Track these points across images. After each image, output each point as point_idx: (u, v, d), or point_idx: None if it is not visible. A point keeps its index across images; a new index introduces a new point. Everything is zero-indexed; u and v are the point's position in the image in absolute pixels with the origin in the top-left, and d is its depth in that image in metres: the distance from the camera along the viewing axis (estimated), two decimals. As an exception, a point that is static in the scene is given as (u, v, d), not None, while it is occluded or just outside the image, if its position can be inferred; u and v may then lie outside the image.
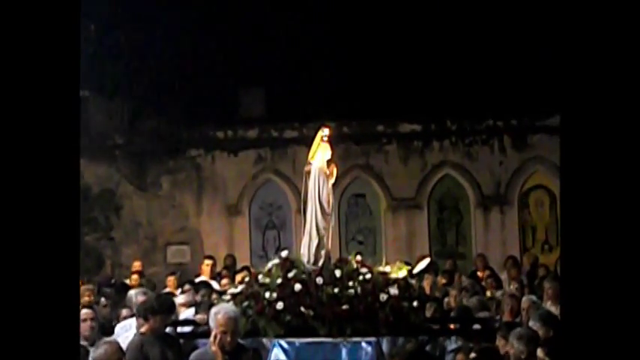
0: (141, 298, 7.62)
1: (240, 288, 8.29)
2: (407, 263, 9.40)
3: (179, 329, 8.19)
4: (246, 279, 8.70)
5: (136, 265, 14.01)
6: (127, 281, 12.87)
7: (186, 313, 9.23)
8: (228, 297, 8.21)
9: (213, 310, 5.96)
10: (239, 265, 13.72)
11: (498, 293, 10.96)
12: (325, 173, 8.32)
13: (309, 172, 8.34)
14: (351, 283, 8.00)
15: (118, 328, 7.82)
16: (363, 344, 7.75)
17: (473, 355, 5.90)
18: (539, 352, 5.98)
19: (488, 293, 10.94)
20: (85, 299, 9.17)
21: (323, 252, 8.21)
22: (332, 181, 8.43)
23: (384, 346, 7.74)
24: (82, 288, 10.27)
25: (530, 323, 6.48)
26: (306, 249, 8.27)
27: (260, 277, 8.25)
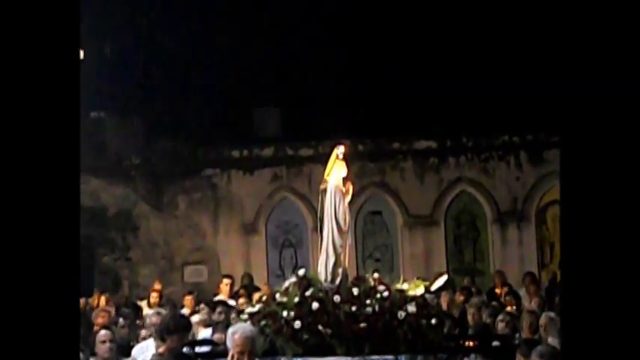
0: (155, 319, 7.62)
1: (257, 307, 8.27)
2: (424, 280, 9.36)
3: (197, 349, 8.17)
4: (264, 298, 8.68)
5: (157, 285, 14.03)
6: (143, 302, 12.86)
7: (204, 333, 9.22)
8: (245, 316, 8.19)
9: (230, 329, 5.93)
10: (256, 284, 13.71)
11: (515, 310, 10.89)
12: (341, 191, 8.31)
13: (325, 190, 8.33)
14: (368, 301, 7.96)
15: (135, 350, 7.82)
16: (382, 362, 7.71)
17: None
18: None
19: (508, 309, 10.86)
20: (101, 320, 9.19)
21: (340, 270, 8.19)
22: (348, 198, 8.41)
23: (403, 364, 7.69)
24: (100, 309, 10.29)
25: (549, 340, 6.43)
26: (323, 267, 8.24)
27: (277, 295, 8.23)
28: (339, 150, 8.49)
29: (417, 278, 9.37)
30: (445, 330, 8.55)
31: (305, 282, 8.14)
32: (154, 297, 12.83)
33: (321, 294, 8.01)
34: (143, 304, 12.74)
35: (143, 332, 8.79)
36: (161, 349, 6.68)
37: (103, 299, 12.86)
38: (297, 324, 7.77)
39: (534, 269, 14.72)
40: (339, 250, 8.20)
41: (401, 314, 7.88)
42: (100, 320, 9.25)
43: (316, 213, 8.69)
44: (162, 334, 6.69)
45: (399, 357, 7.71)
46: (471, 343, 8.56)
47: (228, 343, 5.78)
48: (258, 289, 12.30)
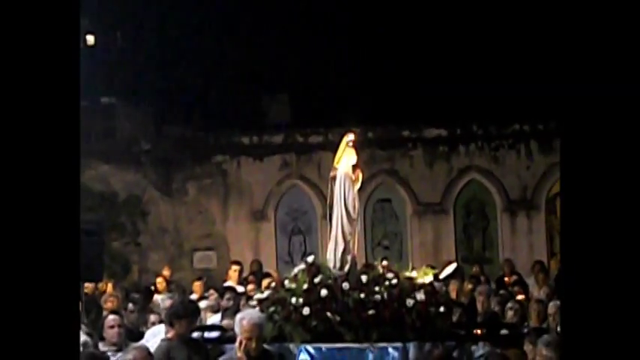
0: (167, 303, 7.65)
1: (266, 293, 8.28)
2: (433, 268, 9.36)
3: (206, 334, 8.20)
4: (273, 284, 8.69)
5: (165, 271, 14.09)
6: (152, 287, 12.91)
7: (213, 319, 9.25)
8: (254, 302, 8.21)
9: (239, 315, 5.96)
10: (265, 271, 13.74)
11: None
12: (351, 178, 8.30)
13: (334, 178, 8.32)
14: (377, 289, 7.97)
15: (147, 334, 7.85)
16: (390, 350, 7.72)
17: None
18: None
19: (518, 298, 10.86)
20: (110, 305, 9.24)
21: (349, 257, 8.19)
22: (357, 186, 8.41)
23: (411, 352, 7.70)
24: (109, 294, 10.36)
25: (559, 329, 6.43)
26: (332, 254, 8.25)
27: (286, 282, 8.24)
28: (349, 137, 8.47)
29: (426, 266, 9.38)
30: (454, 318, 8.56)
31: (314, 269, 8.15)
32: (159, 282, 12.88)
33: (329, 281, 8.02)
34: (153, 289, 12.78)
35: (152, 317, 8.82)
36: (170, 334, 6.71)
37: (109, 285, 12.91)
38: (306, 310, 7.78)
39: (543, 258, 14.71)
40: (348, 237, 8.21)
41: (409, 302, 7.88)
42: (109, 305, 9.29)
43: (325, 200, 8.68)
44: (171, 319, 6.72)
45: (407, 344, 7.72)
46: (479, 331, 8.57)
47: (237, 329, 5.81)
48: (268, 275, 12.29)
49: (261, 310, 7.45)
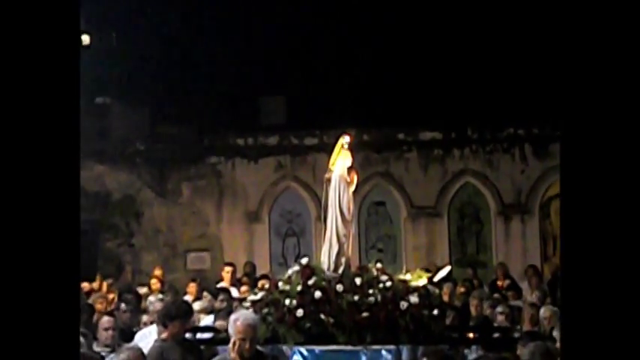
0: (159, 305, 7.63)
1: (260, 295, 8.28)
2: (427, 271, 9.37)
3: (199, 335, 8.19)
4: (266, 286, 8.69)
5: (157, 271, 14.07)
6: (144, 288, 12.88)
7: (207, 320, 9.24)
8: (248, 304, 8.21)
9: (232, 317, 5.96)
10: (259, 273, 13.73)
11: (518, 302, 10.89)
12: (346, 180, 8.30)
13: (329, 180, 8.32)
14: (371, 291, 7.97)
15: (137, 336, 7.84)
16: (383, 352, 7.72)
17: None
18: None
19: (511, 303, 10.86)
20: (100, 306, 9.23)
21: (343, 259, 8.19)
22: (352, 188, 8.41)
23: (404, 355, 7.70)
24: (98, 294, 10.35)
25: (555, 333, 6.44)
26: (326, 256, 8.25)
27: (280, 284, 8.24)
28: (345, 140, 8.47)
29: (420, 269, 9.38)
30: (447, 321, 8.56)
31: (308, 271, 8.15)
32: (154, 283, 12.86)
33: (323, 283, 8.02)
34: (145, 290, 12.75)
35: (145, 318, 8.81)
36: (164, 335, 6.70)
37: (104, 285, 12.89)
38: (300, 312, 7.78)
39: (537, 262, 14.73)
40: (343, 239, 8.21)
41: (403, 304, 7.89)
42: (99, 306, 9.28)
43: (320, 202, 8.69)
44: (164, 319, 6.72)
45: (400, 347, 7.72)
46: (472, 335, 8.58)
47: (230, 330, 5.80)
48: (265, 277, 12.27)
49: (255, 312, 7.45)
